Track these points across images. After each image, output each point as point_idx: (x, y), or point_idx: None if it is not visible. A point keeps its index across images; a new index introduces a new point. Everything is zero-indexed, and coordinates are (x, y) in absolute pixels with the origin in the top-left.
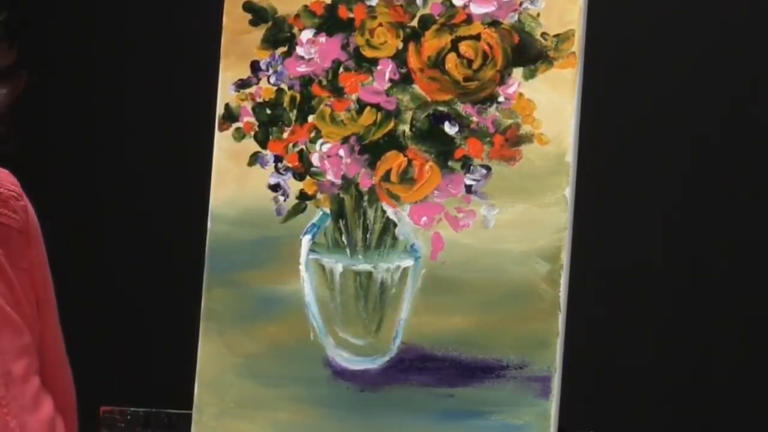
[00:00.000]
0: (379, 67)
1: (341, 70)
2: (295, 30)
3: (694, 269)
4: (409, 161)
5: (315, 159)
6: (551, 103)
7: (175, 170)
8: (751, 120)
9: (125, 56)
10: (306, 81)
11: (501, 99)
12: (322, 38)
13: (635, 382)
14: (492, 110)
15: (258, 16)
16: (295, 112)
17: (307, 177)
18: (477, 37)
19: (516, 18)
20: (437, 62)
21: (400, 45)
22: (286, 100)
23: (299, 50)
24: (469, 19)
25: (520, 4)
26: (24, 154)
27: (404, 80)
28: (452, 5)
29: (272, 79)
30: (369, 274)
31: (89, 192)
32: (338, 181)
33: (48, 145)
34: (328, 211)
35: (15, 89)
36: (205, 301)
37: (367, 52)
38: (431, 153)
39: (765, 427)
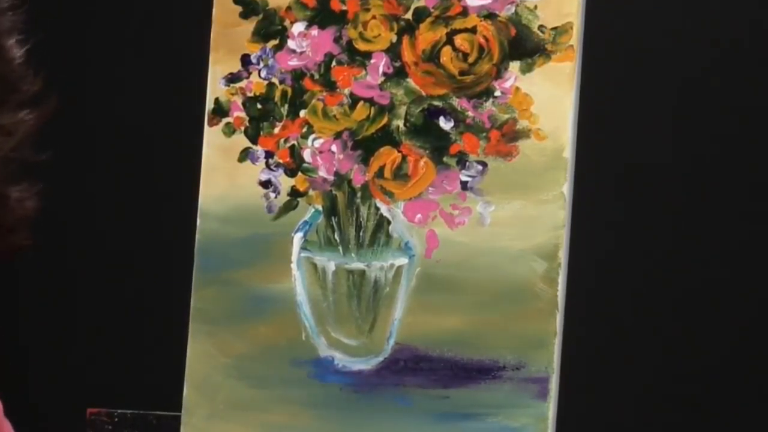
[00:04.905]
0: (372, 61)
1: (334, 63)
2: (287, 23)
3: (695, 268)
4: (403, 157)
5: (307, 155)
6: (549, 98)
7: (163, 166)
8: (754, 116)
9: (113, 50)
10: (297, 75)
11: (497, 93)
12: (314, 31)
13: (634, 383)
14: (488, 105)
15: (248, 8)
16: (286, 106)
17: (299, 173)
18: (473, 30)
19: (513, 10)
20: (432, 56)
21: (394, 38)
22: (277, 94)
23: (291, 43)
24: (464, 12)
25: None
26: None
27: (398, 74)
28: None
29: (263, 73)
30: (362, 273)
31: (75, 188)
32: (330, 178)
33: (35, 141)
34: (320, 208)
35: (43, 115)
36: (194, 301)
37: (361, 46)
38: (426, 149)
39: (766, 428)
